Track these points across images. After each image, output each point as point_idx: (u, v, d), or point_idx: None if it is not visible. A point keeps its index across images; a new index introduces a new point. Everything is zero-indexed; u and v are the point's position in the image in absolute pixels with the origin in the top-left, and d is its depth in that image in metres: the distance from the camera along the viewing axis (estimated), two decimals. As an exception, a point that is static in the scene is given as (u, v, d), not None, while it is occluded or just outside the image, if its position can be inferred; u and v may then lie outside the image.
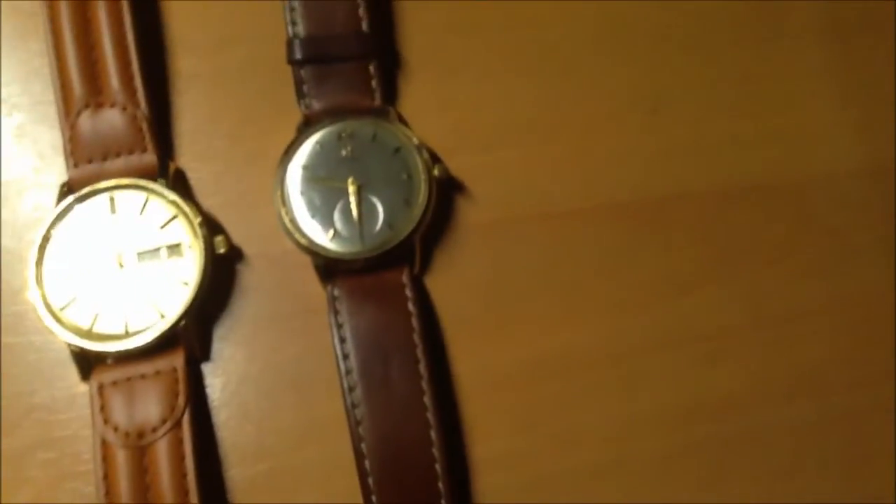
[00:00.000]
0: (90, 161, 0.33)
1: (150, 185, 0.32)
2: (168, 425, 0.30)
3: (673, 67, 0.37)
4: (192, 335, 0.32)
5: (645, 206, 0.35)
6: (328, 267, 0.32)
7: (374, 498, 0.30)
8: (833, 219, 0.36)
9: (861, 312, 0.35)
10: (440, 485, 0.31)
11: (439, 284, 0.34)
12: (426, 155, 0.33)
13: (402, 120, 0.34)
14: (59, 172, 0.33)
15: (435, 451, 0.31)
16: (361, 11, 0.34)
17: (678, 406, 0.33)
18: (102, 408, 0.31)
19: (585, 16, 0.37)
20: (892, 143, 0.37)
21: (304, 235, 0.32)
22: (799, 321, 0.34)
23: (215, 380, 0.32)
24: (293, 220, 0.32)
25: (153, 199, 0.32)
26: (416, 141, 0.33)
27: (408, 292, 0.32)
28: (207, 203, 0.34)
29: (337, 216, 0.32)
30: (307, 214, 0.32)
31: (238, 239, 0.33)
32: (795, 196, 0.36)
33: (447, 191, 0.34)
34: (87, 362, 0.31)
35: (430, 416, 0.31)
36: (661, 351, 0.34)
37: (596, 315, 0.34)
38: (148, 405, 0.31)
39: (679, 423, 0.33)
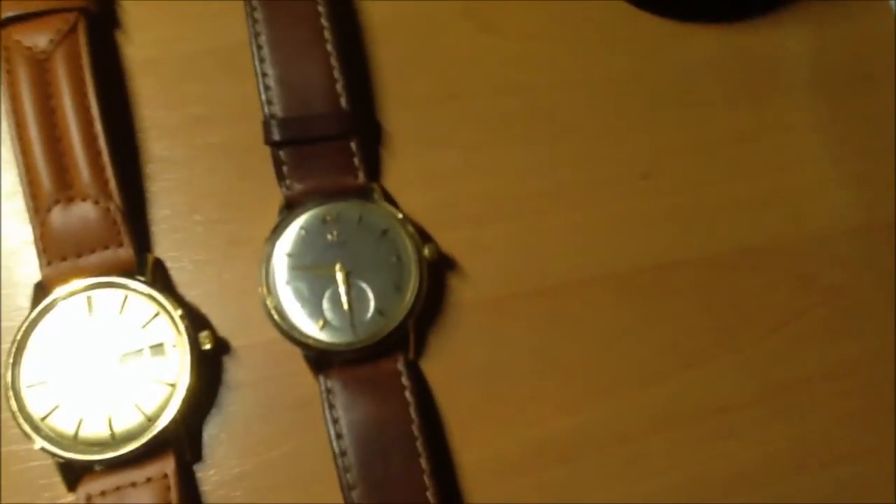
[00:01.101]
0: (64, 258, 0.32)
1: (129, 282, 0.31)
2: (162, 537, 0.30)
3: (665, 129, 0.36)
4: (182, 437, 0.31)
5: (642, 276, 0.35)
6: (319, 358, 0.32)
7: None
8: (835, 279, 0.36)
9: (867, 376, 0.35)
10: (449, 584, 0.30)
11: (435, 369, 0.33)
12: (415, 235, 0.32)
13: (387, 196, 0.34)
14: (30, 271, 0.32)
15: (442, 549, 0.30)
16: (339, 88, 0.33)
17: (687, 485, 0.33)
18: (92, 521, 0.30)
19: (573, 80, 0.36)
20: (892, 197, 0.36)
21: (292, 327, 0.31)
22: (805, 388, 0.34)
23: (208, 482, 0.32)
24: (280, 311, 0.31)
25: (132, 296, 0.31)
26: (401, 217, 0.33)
27: (404, 381, 0.31)
28: (189, 294, 0.33)
29: (326, 305, 0.31)
30: (295, 304, 0.31)
31: (223, 331, 0.33)
32: (795, 257, 0.36)
33: (438, 269, 0.34)
34: (74, 472, 0.30)
35: (434, 512, 0.30)
36: (669, 428, 0.33)
37: (599, 394, 0.33)
38: (140, 516, 0.30)
39: (689, 501, 0.33)
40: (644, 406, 0.34)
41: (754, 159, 0.36)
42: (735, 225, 0.36)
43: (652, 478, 0.33)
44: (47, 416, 0.30)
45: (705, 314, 0.35)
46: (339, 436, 0.31)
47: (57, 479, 0.30)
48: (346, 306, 0.31)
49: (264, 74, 0.33)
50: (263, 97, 0.33)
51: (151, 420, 0.30)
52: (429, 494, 0.30)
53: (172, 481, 0.30)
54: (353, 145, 0.33)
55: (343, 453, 0.30)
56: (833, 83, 0.38)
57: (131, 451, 0.30)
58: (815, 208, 0.36)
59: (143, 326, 0.31)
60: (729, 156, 0.36)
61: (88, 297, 0.31)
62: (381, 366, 0.32)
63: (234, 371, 0.33)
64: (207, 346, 0.31)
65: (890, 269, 0.36)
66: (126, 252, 0.32)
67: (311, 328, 0.31)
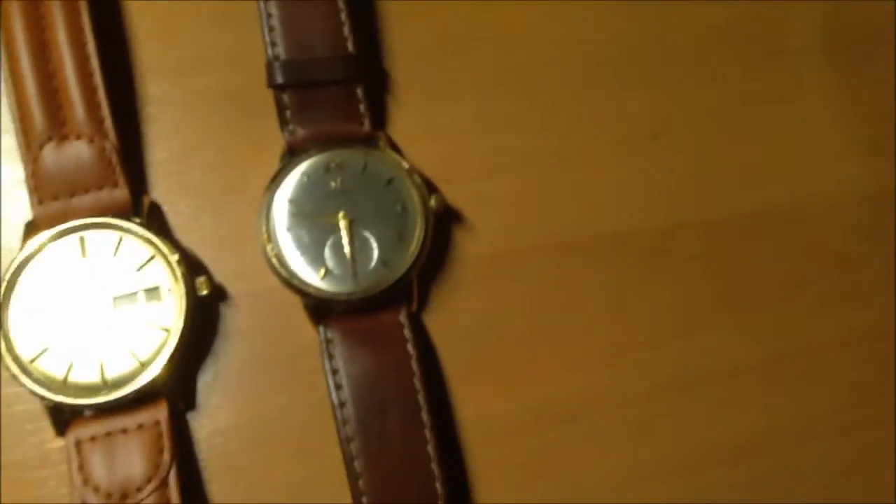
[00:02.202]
0: (56, 198, 0.31)
1: (124, 223, 0.31)
2: (154, 484, 0.29)
3: (675, 90, 0.36)
4: (175, 385, 0.31)
5: (648, 237, 0.35)
6: (320, 307, 0.31)
7: (376, 554, 0.30)
8: (843, 247, 0.36)
9: (873, 345, 0.35)
10: (445, 538, 0.30)
11: (437, 322, 0.33)
12: (421, 185, 0.32)
13: (392, 146, 0.33)
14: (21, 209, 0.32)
15: None
16: (346, 31, 0.33)
17: (690, 451, 0.33)
18: (81, 466, 0.29)
19: (584, 36, 0.36)
20: None
21: (293, 275, 0.31)
22: (811, 356, 0.34)
23: (201, 432, 0.31)
24: (281, 259, 0.31)
25: (127, 238, 0.31)
26: (407, 167, 0.32)
27: (406, 333, 0.31)
28: (185, 240, 0.33)
29: (328, 253, 0.31)
30: (296, 252, 0.31)
31: (220, 277, 0.32)
32: (804, 224, 0.36)
33: (443, 222, 0.34)
34: (63, 416, 0.30)
35: (433, 466, 0.30)
36: (671, 393, 0.33)
37: (601, 356, 0.34)
38: (131, 462, 0.29)
39: (691, 469, 0.33)
40: (647, 370, 0.34)
41: (764, 123, 0.36)
42: (743, 189, 0.36)
43: (653, 443, 0.33)
44: (36, 358, 0.30)
45: (711, 278, 0.35)
46: (338, 387, 0.30)
47: (45, 424, 0.30)
48: (348, 255, 0.31)
49: (268, 15, 0.32)
50: (267, 38, 0.32)
51: (144, 365, 0.30)
52: (429, 448, 0.30)
53: (165, 429, 0.30)
54: (358, 91, 0.33)
55: (342, 404, 0.30)
56: (845, 49, 0.38)
57: (123, 397, 0.30)
58: (824, 175, 0.36)
59: (138, 270, 0.31)
60: (738, 119, 0.36)
61: (81, 238, 0.31)
62: (383, 317, 0.31)
63: (231, 319, 0.32)
64: (204, 292, 0.31)
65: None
66: (121, 193, 0.31)
67: (312, 276, 0.31)
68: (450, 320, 0.33)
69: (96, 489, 0.29)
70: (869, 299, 0.35)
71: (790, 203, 0.36)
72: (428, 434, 0.30)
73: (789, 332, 0.35)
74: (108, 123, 0.32)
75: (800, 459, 0.33)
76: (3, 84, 0.32)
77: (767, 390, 0.34)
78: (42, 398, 0.29)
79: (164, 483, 0.29)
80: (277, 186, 0.32)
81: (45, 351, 0.30)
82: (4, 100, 0.32)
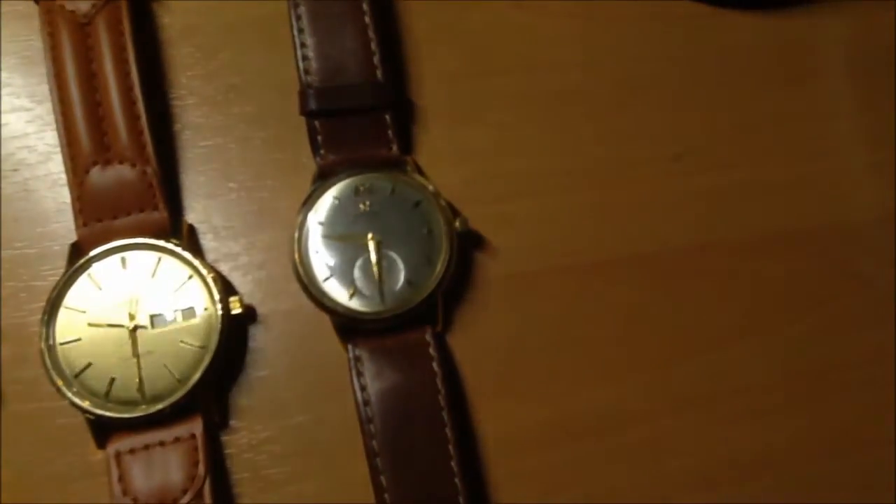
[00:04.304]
0: (100, 219, 0.33)
1: (163, 244, 0.33)
2: (189, 495, 0.31)
3: (697, 111, 0.37)
4: (209, 400, 0.32)
5: (670, 257, 0.35)
6: (348, 326, 0.33)
7: (402, 566, 0.31)
8: (865, 268, 0.36)
9: (893, 366, 0.35)
10: (470, 551, 0.31)
11: (461, 342, 0.34)
12: (447, 208, 0.34)
13: (419, 170, 0.35)
14: (64, 233, 0.34)
15: (464, 518, 0.31)
16: (376, 60, 0.34)
17: (710, 466, 0.34)
18: (121, 477, 0.31)
19: (605, 59, 0.37)
20: None
21: (323, 294, 0.32)
22: (830, 376, 0.35)
23: (233, 446, 0.33)
24: (311, 279, 0.33)
25: (166, 258, 0.33)
26: (433, 190, 0.34)
27: (432, 352, 0.32)
28: (220, 260, 0.34)
29: (357, 274, 0.33)
30: (326, 272, 0.33)
31: (252, 298, 0.34)
32: (825, 244, 0.36)
33: (467, 244, 0.35)
34: (103, 429, 0.32)
35: (458, 481, 0.31)
36: (692, 409, 0.34)
37: (623, 372, 0.34)
38: (168, 474, 0.31)
39: (711, 485, 0.34)
40: (666, 387, 0.34)
41: (787, 144, 0.37)
42: (765, 210, 0.36)
43: (672, 458, 0.34)
44: (80, 373, 0.32)
45: (731, 298, 0.35)
46: (366, 403, 0.32)
47: (87, 437, 0.31)
48: (376, 276, 0.33)
49: (302, 45, 0.34)
50: (301, 67, 0.34)
51: (181, 381, 0.32)
52: (453, 464, 0.31)
53: (200, 442, 0.31)
54: (387, 117, 0.34)
55: (370, 420, 0.31)
56: (868, 70, 0.38)
57: (160, 410, 0.31)
58: (847, 196, 0.37)
59: (176, 289, 0.33)
60: (761, 140, 0.37)
61: (123, 258, 0.33)
62: (409, 336, 0.33)
63: (262, 337, 0.34)
64: (237, 311, 0.33)
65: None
66: (161, 215, 0.33)
67: (342, 296, 0.32)
68: (473, 339, 0.34)
69: (135, 500, 0.31)
70: (890, 321, 0.36)
71: (812, 224, 0.36)
72: (452, 449, 0.31)
73: (809, 351, 0.35)
74: (150, 149, 0.33)
75: (818, 477, 0.34)
76: (48, 110, 0.34)
77: (785, 408, 0.34)
78: (84, 411, 0.31)
79: (199, 494, 0.31)
80: (309, 209, 0.33)
81: (88, 366, 0.32)
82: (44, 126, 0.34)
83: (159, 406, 0.31)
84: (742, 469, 0.34)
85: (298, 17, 0.34)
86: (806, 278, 0.36)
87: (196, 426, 0.32)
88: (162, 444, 0.31)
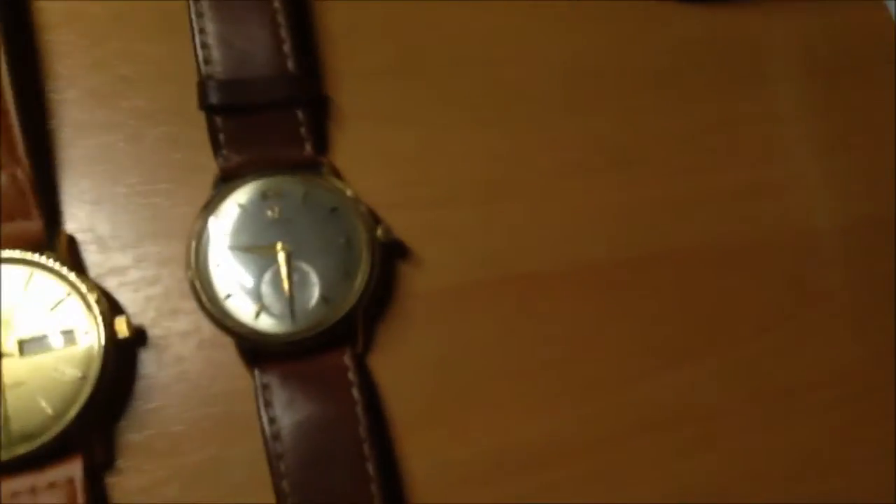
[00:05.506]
0: (-40, 230, 0.29)
1: (35, 258, 0.29)
2: (65, 551, 0.27)
3: (644, 114, 0.35)
4: (91, 438, 0.29)
5: (617, 269, 0.34)
6: (254, 350, 0.30)
7: None
8: (824, 280, 0.35)
9: (858, 385, 0.34)
10: None
11: (384, 365, 0.31)
12: (367, 215, 0.31)
13: (336, 173, 0.32)
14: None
15: (390, 568, 0.28)
16: (287, 49, 0.31)
17: (661, 499, 0.32)
18: (-16, 533, 0.27)
19: (544, 58, 0.35)
20: (884, 192, 0.36)
21: (225, 314, 0.29)
22: (792, 397, 0.34)
23: (121, 489, 0.29)
24: (211, 295, 0.29)
25: (39, 274, 0.29)
26: (352, 195, 0.31)
27: (351, 376, 0.29)
28: (105, 276, 0.31)
29: (264, 289, 0.29)
30: (228, 288, 0.29)
31: (142, 318, 0.31)
32: (782, 254, 0.35)
33: (390, 255, 0.32)
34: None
35: (382, 525, 0.28)
36: (642, 436, 0.32)
37: (568, 397, 0.32)
38: (40, 526, 0.27)
39: None
40: (617, 412, 0.32)
41: (739, 149, 0.36)
42: (718, 218, 0.35)
43: (624, 490, 0.32)
44: (-66, 409, 0.28)
45: (685, 313, 0.34)
46: (275, 437, 0.28)
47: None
48: (286, 291, 0.29)
49: (202, 31, 0.31)
50: (200, 56, 0.31)
51: (56, 416, 0.28)
52: (375, 504, 0.28)
53: (79, 486, 0.28)
54: (300, 114, 0.31)
55: (280, 457, 0.28)
56: (823, 72, 0.38)
57: (30, 452, 0.27)
58: (802, 203, 0.36)
59: (51, 309, 0.29)
60: (712, 145, 0.36)
61: (-13, 274, 0.29)
62: (325, 359, 0.30)
63: (154, 363, 0.30)
64: (124, 335, 0.29)
65: (883, 269, 0.35)
66: (34, 225, 0.29)
67: (247, 315, 0.29)
68: (400, 362, 0.31)
69: (0, 559, 0.27)
70: (853, 336, 0.35)
71: (767, 233, 0.35)
72: (374, 489, 0.28)
73: (769, 370, 0.34)
74: (21, 149, 0.30)
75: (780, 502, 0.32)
76: None
77: (746, 432, 0.33)
78: (-64, 454, 0.27)
79: (77, 550, 0.27)
80: (209, 216, 0.30)
81: (-57, 401, 0.28)
82: None
83: (29, 447, 0.27)
84: (699, 497, 0.32)
85: (197, 1, 0.31)
86: (762, 291, 0.35)
87: (75, 468, 0.28)
88: (33, 490, 0.27)
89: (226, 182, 0.31)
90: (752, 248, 0.35)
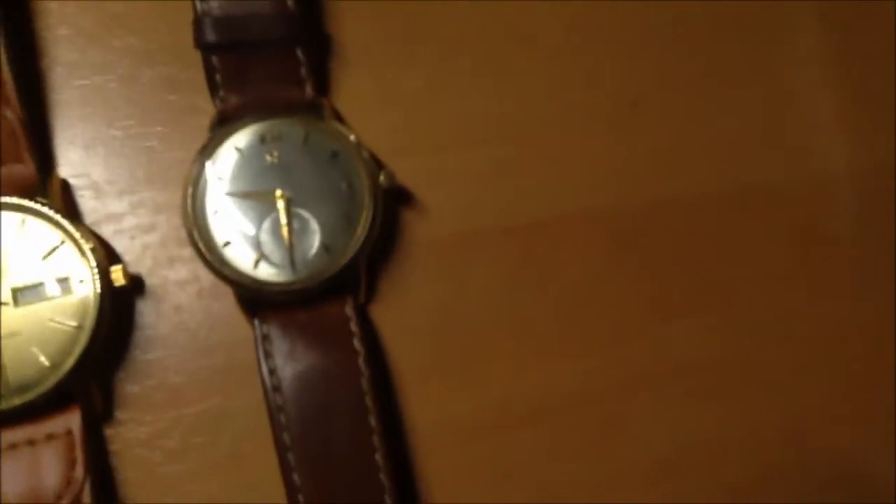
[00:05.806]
0: (-51, 174, 0.28)
1: (28, 203, 0.28)
2: (66, 502, 0.27)
3: (655, 61, 0.34)
4: (89, 389, 0.28)
5: (623, 216, 0.33)
6: (254, 299, 0.29)
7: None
8: (834, 228, 0.34)
9: (864, 339, 0.34)
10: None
11: (387, 316, 0.31)
12: (370, 160, 0.30)
13: (337, 116, 0.31)
14: None
15: (391, 518, 0.28)
16: (286, -15, 0.30)
17: (664, 451, 0.32)
18: (-16, 482, 0.27)
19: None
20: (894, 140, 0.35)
21: (223, 262, 0.28)
22: (797, 350, 0.33)
23: (120, 440, 0.29)
24: (209, 243, 0.28)
25: (32, 221, 0.28)
26: (354, 139, 0.30)
27: (353, 327, 0.29)
28: (100, 222, 0.30)
29: (263, 237, 0.29)
30: (226, 235, 0.28)
31: (138, 266, 0.30)
32: (791, 202, 0.34)
33: (394, 202, 0.31)
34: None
35: (383, 477, 0.28)
36: (646, 389, 0.32)
37: (570, 349, 0.32)
38: (40, 478, 0.27)
39: (666, 471, 0.32)
40: (620, 363, 0.32)
41: (751, 95, 0.35)
42: (726, 165, 0.34)
43: (627, 443, 0.32)
44: (-73, 359, 0.27)
45: (691, 262, 0.33)
46: (276, 389, 0.28)
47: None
48: (286, 239, 0.28)
49: (196, -35, 0.30)
50: (195, -9, 0.30)
51: (53, 367, 0.27)
52: (378, 457, 0.28)
53: (77, 438, 0.27)
54: (300, 53, 0.30)
55: (280, 409, 0.28)
56: (839, 20, 0.36)
57: (27, 403, 0.27)
58: (815, 150, 0.35)
59: (45, 257, 0.28)
60: (722, 92, 0.35)
61: (-23, 220, 0.28)
62: (326, 309, 0.29)
63: (152, 313, 0.30)
64: (120, 283, 0.28)
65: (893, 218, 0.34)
66: (26, 169, 0.28)
67: (246, 264, 0.28)
68: (402, 312, 0.31)
69: (-1, 508, 0.27)
70: (861, 289, 0.34)
71: (777, 181, 0.34)
72: (377, 441, 0.28)
73: (776, 322, 0.33)
74: (10, 89, 0.28)
75: (786, 459, 0.32)
76: None
77: (750, 386, 0.33)
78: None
79: (77, 500, 0.27)
80: (205, 160, 0.29)
81: (-63, 350, 0.27)
82: None
83: (25, 398, 0.27)
84: (698, 453, 0.32)
85: (192, -68, 0.30)
86: (771, 241, 0.34)
87: (73, 420, 0.27)
88: (31, 442, 0.27)
89: (223, 125, 0.29)
90: (760, 196, 0.34)
